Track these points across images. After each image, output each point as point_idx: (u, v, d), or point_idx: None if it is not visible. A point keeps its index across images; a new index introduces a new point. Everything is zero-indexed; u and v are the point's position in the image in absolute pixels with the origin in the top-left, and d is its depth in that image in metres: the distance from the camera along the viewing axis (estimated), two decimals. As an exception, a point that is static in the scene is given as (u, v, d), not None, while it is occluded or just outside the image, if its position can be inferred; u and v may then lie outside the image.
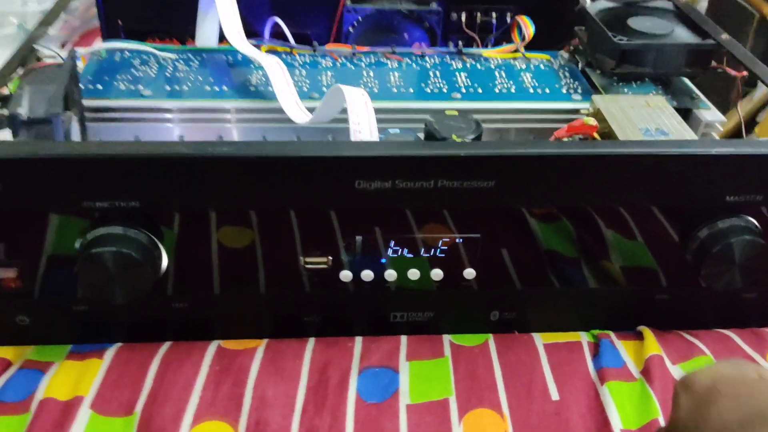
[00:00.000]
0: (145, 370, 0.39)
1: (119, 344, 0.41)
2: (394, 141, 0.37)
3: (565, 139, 0.45)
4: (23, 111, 0.40)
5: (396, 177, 0.36)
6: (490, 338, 0.43)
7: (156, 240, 0.37)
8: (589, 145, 0.37)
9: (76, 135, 0.45)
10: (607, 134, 0.45)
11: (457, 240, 0.39)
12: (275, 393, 0.38)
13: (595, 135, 0.45)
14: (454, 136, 0.44)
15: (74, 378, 0.39)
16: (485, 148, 0.36)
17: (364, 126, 0.40)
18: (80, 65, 0.52)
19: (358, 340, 0.42)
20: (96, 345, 0.41)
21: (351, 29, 0.61)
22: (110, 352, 0.40)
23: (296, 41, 0.59)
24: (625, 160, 0.37)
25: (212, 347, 0.41)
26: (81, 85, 0.49)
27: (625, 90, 0.52)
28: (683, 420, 0.30)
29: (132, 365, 0.39)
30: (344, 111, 0.43)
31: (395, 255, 0.40)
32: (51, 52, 0.50)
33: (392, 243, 0.39)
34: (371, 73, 0.53)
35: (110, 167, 0.34)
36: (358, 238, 0.39)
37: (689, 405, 0.30)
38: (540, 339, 0.42)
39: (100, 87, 0.50)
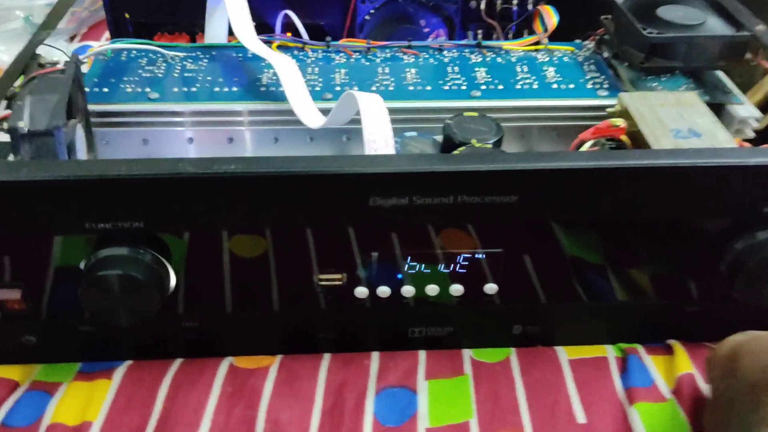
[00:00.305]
0: (155, 392, 0.38)
1: (129, 362, 0.40)
2: (410, 156, 0.35)
3: (590, 142, 0.43)
4: (24, 123, 0.38)
5: (413, 193, 0.34)
6: (512, 353, 0.41)
7: (163, 260, 0.35)
8: (617, 157, 0.34)
9: (81, 143, 0.43)
10: (635, 135, 0.43)
11: (478, 255, 0.37)
12: (289, 417, 0.37)
13: (623, 137, 0.43)
14: (473, 141, 0.42)
15: (82, 401, 0.37)
16: (507, 162, 0.34)
17: (379, 136, 0.38)
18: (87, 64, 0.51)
19: (375, 357, 0.40)
20: (105, 363, 0.40)
21: (367, 18, 0.59)
22: (119, 372, 0.39)
23: (309, 31, 0.57)
24: (657, 171, 0.34)
25: (224, 366, 0.40)
26: (87, 88, 0.48)
27: (654, 84, 0.49)
28: (719, 390, 0.35)
29: (142, 387, 0.38)
30: (359, 113, 0.41)
31: (413, 271, 0.38)
32: (56, 53, 0.48)
33: (409, 259, 0.37)
34: (386, 70, 0.51)
35: (111, 189, 0.33)
36: (374, 254, 0.37)
37: (719, 375, 0.35)
38: (564, 354, 0.41)
39: (106, 90, 0.48)
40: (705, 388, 0.38)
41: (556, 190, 0.35)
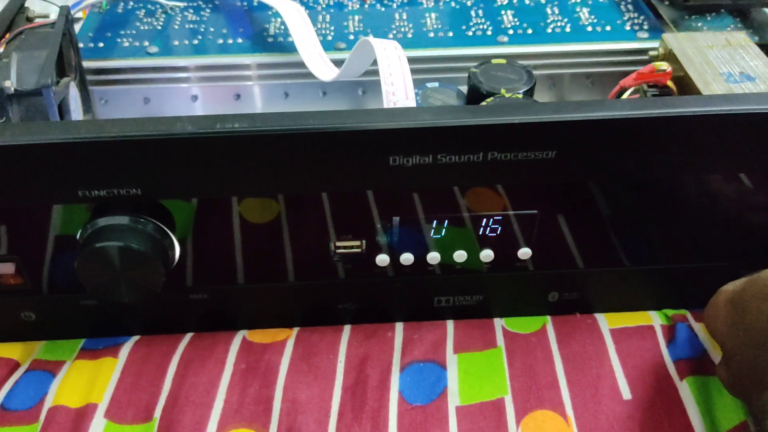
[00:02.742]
0: (164, 369, 0.35)
1: (135, 338, 0.37)
2: (434, 108, 0.31)
3: (631, 89, 0.39)
4: (10, 83, 0.35)
5: (437, 151, 0.30)
6: (548, 322, 0.38)
7: (166, 229, 0.32)
8: (670, 104, 0.31)
9: (75, 103, 0.40)
10: (681, 80, 0.39)
11: (510, 218, 0.34)
12: (308, 396, 0.34)
13: (669, 83, 0.39)
14: (503, 91, 0.38)
15: (86, 381, 0.35)
16: (545, 113, 0.30)
17: (398, 88, 0.34)
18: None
19: (399, 329, 0.37)
20: (110, 339, 0.37)
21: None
22: (125, 349, 0.37)
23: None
24: (717, 120, 0.30)
25: (237, 340, 0.37)
26: (81, 44, 0.44)
27: (699, 24, 0.45)
28: (732, 344, 0.31)
29: (149, 364, 0.36)
30: (375, 62, 0.37)
31: (438, 236, 0.34)
32: (49, 6, 0.45)
33: (435, 223, 0.34)
34: (404, 15, 0.47)
35: (103, 152, 0.29)
36: (395, 219, 0.34)
37: (727, 328, 0.31)
38: (605, 322, 0.37)
39: (101, 45, 0.45)
40: (762, 358, 0.35)
41: (599, 144, 0.31)
